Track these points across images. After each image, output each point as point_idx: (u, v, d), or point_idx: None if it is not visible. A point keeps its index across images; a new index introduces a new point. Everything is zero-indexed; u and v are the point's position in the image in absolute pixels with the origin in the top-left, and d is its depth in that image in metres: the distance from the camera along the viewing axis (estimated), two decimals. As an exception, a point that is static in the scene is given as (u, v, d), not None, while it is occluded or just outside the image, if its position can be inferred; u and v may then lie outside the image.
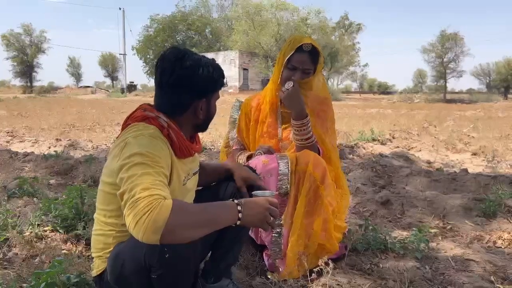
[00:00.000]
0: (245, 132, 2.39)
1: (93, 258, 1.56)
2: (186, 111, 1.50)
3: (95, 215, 1.53)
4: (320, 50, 2.17)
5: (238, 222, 1.30)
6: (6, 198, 3.13)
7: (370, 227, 2.42)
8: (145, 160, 1.26)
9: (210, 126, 1.66)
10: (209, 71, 1.46)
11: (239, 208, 1.30)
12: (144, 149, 1.29)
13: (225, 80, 1.56)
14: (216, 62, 1.55)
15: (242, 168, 1.84)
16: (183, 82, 1.44)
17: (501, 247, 2.49)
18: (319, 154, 2.14)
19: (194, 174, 1.63)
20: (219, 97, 1.59)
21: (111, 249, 1.44)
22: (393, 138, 8.05)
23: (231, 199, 1.34)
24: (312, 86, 2.21)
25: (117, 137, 1.48)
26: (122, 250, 1.37)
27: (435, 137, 8.43)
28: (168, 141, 1.43)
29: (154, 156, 1.29)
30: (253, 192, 1.51)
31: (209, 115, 1.56)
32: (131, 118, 1.49)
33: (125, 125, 1.49)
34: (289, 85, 2.09)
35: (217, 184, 1.85)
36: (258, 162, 2.05)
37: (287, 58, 2.13)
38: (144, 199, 1.14)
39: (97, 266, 1.52)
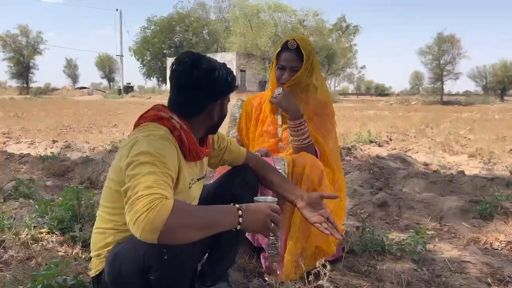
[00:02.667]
0: (244, 131, 2.39)
1: (91, 258, 1.55)
2: (202, 113, 1.52)
3: (98, 213, 1.53)
4: (306, 47, 2.12)
5: (238, 227, 1.29)
6: (2, 199, 3.12)
7: (367, 229, 2.42)
8: (152, 160, 1.26)
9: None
10: (224, 74, 1.49)
11: (240, 213, 1.29)
12: (152, 149, 1.30)
13: (236, 84, 1.58)
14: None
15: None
16: (200, 84, 1.46)
17: (497, 249, 2.50)
18: (316, 155, 2.14)
19: (199, 179, 1.62)
20: (229, 100, 1.61)
21: (110, 247, 1.43)
22: (390, 140, 8.07)
23: (232, 204, 1.33)
24: (309, 86, 2.20)
25: (128, 135, 1.48)
26: (121, 250, 1.37)
27: (432, 139, 8.45)
28: (178, 143, 1.44)
29: (162, 157, 1.29)
30: (255, 198, 1.51)
31: (222, 116, 1.59)
32: (144, 117, 1.50)
33: (137, 124, 1.50)
34: (278, 90, 2.12)
35: (219, 181, 1.86)
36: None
37: (276, 57, 2.17)
38: (146, 197, 1.14)
39: (95, 267, 1.51)
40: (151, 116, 1.48)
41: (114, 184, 1.41)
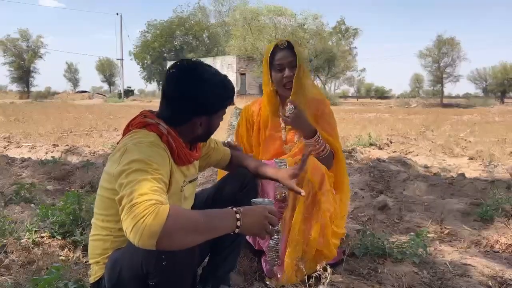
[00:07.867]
0: (245, 137, 2.39)
1: (90, 264, 1.55)
2: (185, 124, 1.51)
3: (92, 220, 1.53)
4: (296, 44, 2.16)
5: (237, 230, 1.29)
6: (3, 204, 3.12)
7: (368, 232, 2.42)
8: (144, 167, 1.26)
9: None
10: (215, 90, 1.47)
11: (238, 216, 1.29)
12: (144, 156, 1.30)
13: (233, 99, 1.56)
14: (228, 78, 1.54)
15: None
16: (184, 96, 1.45)
17: (498, 252, 2.50)
18: (333, 157, 2.17)
19: (190, 181, 1.63)
20: (224, 113, 1.60)
21: (109, 254, 1.44)
22: (391, 142, 8.06)
23: (230, 207, 1.33)
24: (306, 87, 2.21)
25: (117, 143, 1.49)
26: (120, 256, 1.37)
27: (432, 142, 8.45)
28: (167, 148, 1.44)
29: (154, 163, 1.29)
30: (252, 200, 1.50)
31: (209, 131, 1.58)
32: (132, 124, 1.50)
33: (126, 131, 1.50)
34: (290, 110, 2.08)
35: (219, 184, 1.87)
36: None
37: (270, 61, 2.17)
38: (142, 203, 1.14)
39: (95, 273, 1.51)
40: (138, 123, 1.48)
41: (106, 191, 1.42)
